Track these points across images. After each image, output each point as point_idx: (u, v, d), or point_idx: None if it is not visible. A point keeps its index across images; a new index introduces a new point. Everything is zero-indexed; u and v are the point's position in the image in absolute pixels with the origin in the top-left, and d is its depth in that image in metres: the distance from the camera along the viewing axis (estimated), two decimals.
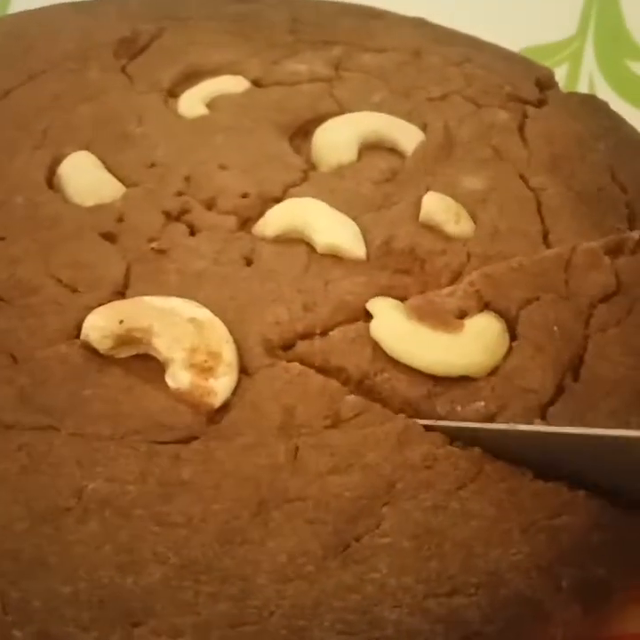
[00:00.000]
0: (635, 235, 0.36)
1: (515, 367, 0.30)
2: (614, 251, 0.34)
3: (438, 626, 0.25)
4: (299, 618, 0.25)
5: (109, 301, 0.32)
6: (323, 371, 0.31)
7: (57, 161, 0.39)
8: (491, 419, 0.29)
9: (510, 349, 0.31)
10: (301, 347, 0.32)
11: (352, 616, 0.25)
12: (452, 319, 0.31)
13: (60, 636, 0.24)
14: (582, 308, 0.32)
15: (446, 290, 0.33)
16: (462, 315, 0.32)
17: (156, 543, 0.26)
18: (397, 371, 0.30)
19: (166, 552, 0.26)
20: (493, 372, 0.30)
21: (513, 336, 0.32)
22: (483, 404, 0.29)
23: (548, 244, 0.36)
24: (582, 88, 0.53)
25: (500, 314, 0.32)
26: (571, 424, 0.28)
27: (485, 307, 0.32)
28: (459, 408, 0.29)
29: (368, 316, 0.33)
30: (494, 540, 0.26)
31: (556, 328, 0.31)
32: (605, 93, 0.52)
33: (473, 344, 0.31)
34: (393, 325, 0.31)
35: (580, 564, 0.26)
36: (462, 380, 0.30)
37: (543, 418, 0.29)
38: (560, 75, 0.52)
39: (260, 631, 0.24)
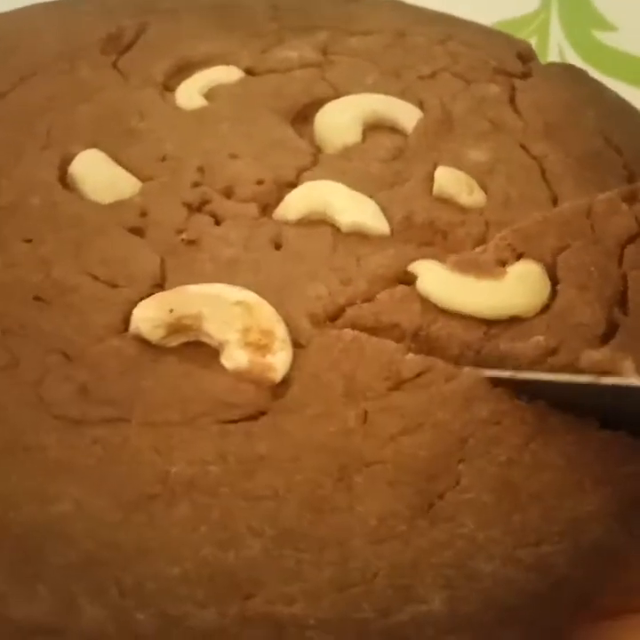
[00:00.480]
0: None
1: (563, 306, 0.32)
2: (630, 199, 0.36)
3: (531, 574, 0.26)
4: (401, 576, 0.25)
5: (150, 294, 0.33)
6: (375, 331, 0.31)
7: (66, 160, 0.38)
8: (552, 352, 0.30)
9: (554, 292, 0.32)
10: (350, 312, 0.32)
11: (450, 571, 0.26)
12: (493, 267, 0.33)
13: (179, 616, 0.24)
14: (612, 249, 0.33)
15: (479, 248, 0.34)
16: (501, 264, 0.33)
17: (248, 518, 0.26)
18: (450, 319, 0.31)
19: (260, 525, 0.26)
20: (543, 311, 0.32)
21: (554, 280, 0.33)
22: (542, 338, 0.30)
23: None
24: (553, 59, 0.55)
25: (537, 261, 0.33)
26: (632, 348, 0.29)
27: (520, 257, 0.34)
28: (520, 344, 0.30)
29: (405, 284, 0.34)
30: (567, 490, 0.28)
31: (593, 268, 0.32)
32: (575, 63, 0.54)
33: (518, 286, 0.32)
34: (439, 279, 0.33)
35: None
36: (515, 321, 0.31)
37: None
38: None
39: (366, 592, 0.25)
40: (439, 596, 0.25)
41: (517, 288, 0.32)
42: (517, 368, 0.31)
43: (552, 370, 0.30)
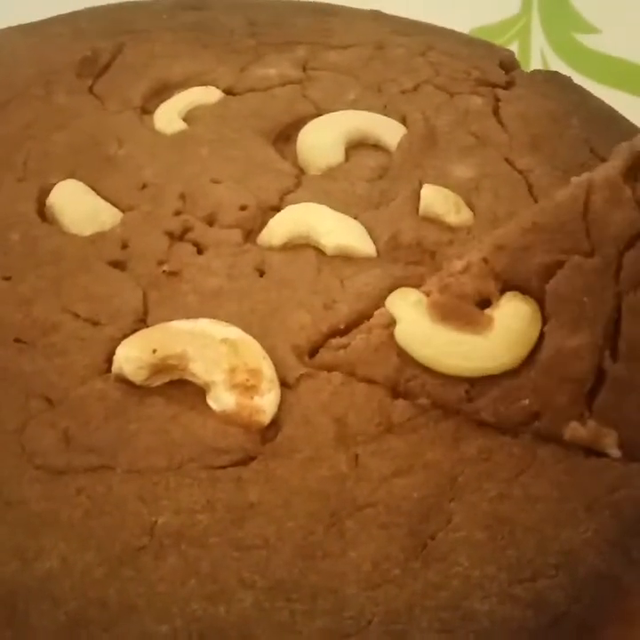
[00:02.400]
0: None
1: (552, 356, 0.29)
2: (633, 170, 0.31)
3: (528, 611, 0.25)
4: (396, 622, 0.25)
5: (133, 331, 0.32)
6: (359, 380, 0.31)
7: (45, 191, 0.38)
8: (536, 416, 0.29)
9: (542, 334, 0.30)
10: (327, 357, 0.32)
11: (446, 613, 0.25)
12: (477, 315, 0.30)
13: None
14: (609, 259, 0.30)
15: (458, 266, 0.31)
16: (485, 302, 0.31)
17: (239, 569, 0.26)
18: (429, 375, 0.30)
19: (252, 576, 0.26)
20: (531, 359, 0.30)
21: (543, 317, 0.30)
22: (526, 402, 0.29)
23: None
24: (535, 64, 0.54)
25: (524, 290, 0.30)
26: (617, 413, 0.29)
27: (505, 285, 0.30)
28: (502, 409, 0.29)
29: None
30: (562, 520, 0.27)
31: (585, 299, 0.29)
32: (558, 67, 0.54)
33: (504, 341, 0.29)
34: (418, 331, 0.30)
35: None
36: (499, 377, 0.30)
37: (590, 410, 0.29)
38: None
39: None
40: None
41: (504, 343, 0.29)
42: (502, 432, 0.29)
43: (537, 435, 0.29)
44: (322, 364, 0.32)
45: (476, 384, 0.30)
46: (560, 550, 0.27)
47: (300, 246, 0.36)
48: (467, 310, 0.31)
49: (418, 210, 0.37)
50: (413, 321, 0.31)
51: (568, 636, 0.25)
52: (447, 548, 0.27)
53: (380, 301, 0.33)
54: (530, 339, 0.30)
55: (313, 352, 0.32)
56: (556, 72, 0.47)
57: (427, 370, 0.30)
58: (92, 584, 0.25)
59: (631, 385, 0.29)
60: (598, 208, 0.30)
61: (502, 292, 0.31)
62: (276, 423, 0.30)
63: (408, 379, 0.31)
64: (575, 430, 0.29)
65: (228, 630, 0.24)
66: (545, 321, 0.30)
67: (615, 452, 0.29)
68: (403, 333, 0.31)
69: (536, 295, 0.30)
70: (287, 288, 0.34)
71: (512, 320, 0.30)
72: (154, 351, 0.30)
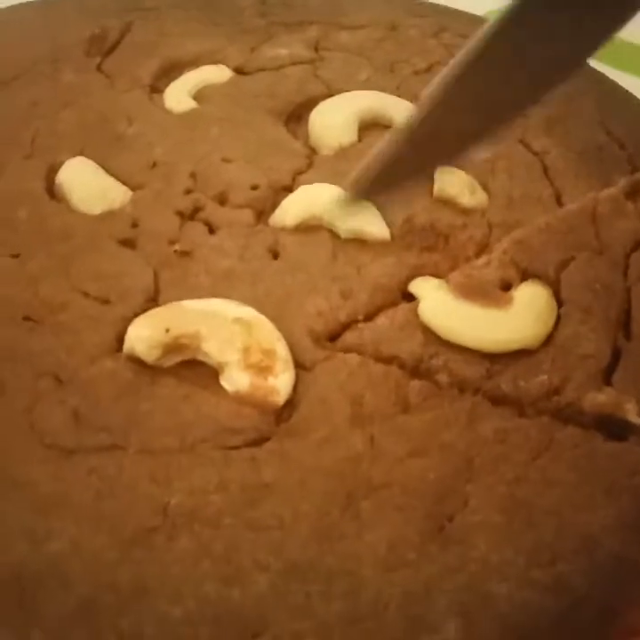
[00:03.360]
0: None
1: (568, 335, 0.30)
2: (633, 193, 0.35)
3: (547, 595, 0.25)
4: (413, 605, 0.24)
5: (145, 310, 0.31)
6: (378, 360, 0.30)
7: (53, 169, 0.37)
8: (556, 392, 0.29)
9: (559, 317, 0.31)
10: (349, 338, 0.31)
11: (464, 596, 0.25)
12: (498, 293, 0.31)
13: None
14: (617, 259, 0.33)
15: (480, 260, 0.33)
16: (506, 286, 0.32)
17: (253, 550, 0.25)
18: (452, 352, 0.30)
19: (266, 557, 0.25)
20: (549, 341, 0.30)
21: (558, 301, 0.32)
22: (546, 377, 0.29)
23: (561, 206, 0.37)
24: None
25: (541, 279, 0.32)
26: (635, 385, 0.29)
27: (524, 274, 0.32)
28: (522, 383, 0.29)
29: (406, 296, 0.33)
30: (581, 504, 0.27)
31: (597, 286, 0.31)
32: None
33: (525, 316, 0.31)
34: (441, 307, 0.31)
35: None
36: (519, 354, 0.30)
37: (608, 384, 0.29)
38: None
39: (379, 625, 0.24)
40: (453, 623, 0.24)
41: (525, 318, 0.31)
42: (520, 407, 0.29)
43: (556, 408, 0.29)
44: (344, 346, 0.31)
45: (497, 361, 0.30)
46: (579, 534, 0.26)
47: (314, 228, 0.35)
48: (488, 289, 0.32)
49: (432, 192, 0.37)
50: (436, 298, 0.32)
51: (588, 620, 0.25)
52: (464, 531, 0.26)
53: (397, 294, 0.33)
54: (548, 317, 0.31)
55: (331, 339, 0.32)
56: None
57: (450, 346, 0.31)
58: (104, 566, 0.25)
59: None
60: (605, 217, 0.34)
61: (521, 280, 0.32)
62: (291, 404, 0.29)
63: (431, 355, 0.30)
64: (594, 398, 0.29)
65: (243, 613, 0.24)
66: (561, 303, 0.32)
67: (636, 419, 0.29)
68: (426, 309, 0.31)
69: (552, 284, 0.32)
70: (302, 272, 0.34)
71: (531, 299, 0.31)
72: (166, 330, 0.30)
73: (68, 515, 0.26)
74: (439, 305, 0.31)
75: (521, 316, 0.31)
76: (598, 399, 0.29)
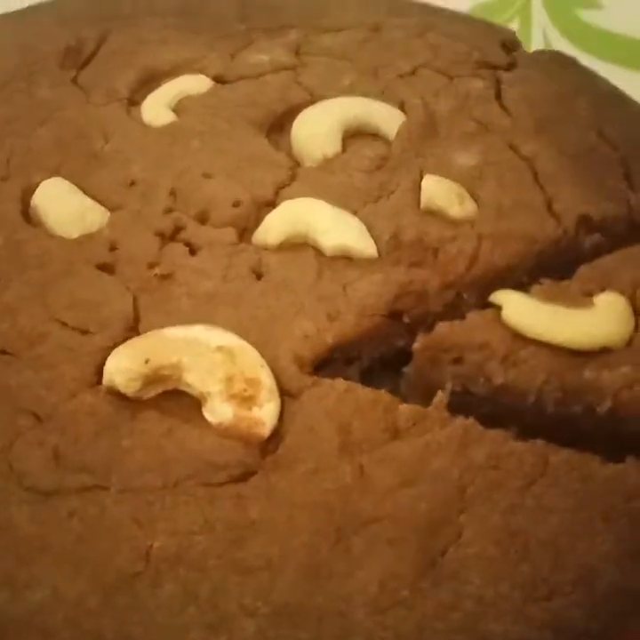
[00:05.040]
0: None
1: None
2: None
3: (546, 632, 0.24)
4: None
5: (124, 339, 0.30)
6: (464, 350, 0.31)
7: (29, 191, 0.36)
8: (637, 382, 0.30)
9: (637, 325, 0.31)
10: (439, 330, 0.32)
11: (459, 636, 0.24)
12: (580, 297, 0.32)
13: None
14: None
15: (561, 284, 0.33)
16: (587, 294, 0.32)
17: (240, 594, 0.24)
18: (538, 346, 0.31)
19: (254, 602, 0.24)
20: (628, 343, 0.31)
21: (635, 312, 0.32)
22: (628, 368, 0.30)
23: (553, 214, 0.36)
24: (537, 43, 0.52)
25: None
26: None
27: (602, 290, 0.33)
28: (605, 372, 0.30)
29: (394, 315, 0.33)
30: (578, 531, 0.26)
31: None
32: (561, 45, 0.52)
33: (608, 316, 0.31)
34: (527, 308, 0.32)
35: None
36: (602, 352, 0.30)
37: None
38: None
39: None
40: None
41: (608, 317, 0.31)
42: (602, 397, 0.30)
43: (637, 397, 0.30)
44: (433, 338, 0.32)
45: (580, 356, 0.30)
46: (577, 564, 0.25)
47: (298, 245, 0.34)
48: (570, 294, 0.33)
49: (419, 202, 0.36)
50: (520, 302, 0.32)
51: None
52: (458, 565, 0.25)
53: (384, 314, 0.33)
54: (628, 319, 0.32)
55: (316, 365, 0.31)
56: (560, 52, 0.45)
57: (536, 342, 0.31)
58: (86, 614, 0.24)
59: None
60: None
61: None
62: (277, 434, 0.28)
63: (519, 347, 0.31)
64: None
65: None
66: (638, 314, 0.32)
67: None
68: (512, 313, 0.32)
69: (629, 298, 0.32)
70: (287, 292, 0.33)
71: (610, 303, 0.32)
72: (146, 361, 0.29)
73: (49, 560, 0.25)
74: (525, 306, 0.32)
75: (603, 316, 0.31)
76: None
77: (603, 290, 0.33)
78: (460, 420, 0.29)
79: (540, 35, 0.52)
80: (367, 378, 0.33)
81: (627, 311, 0.32)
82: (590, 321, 0.32)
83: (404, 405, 0.29)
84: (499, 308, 0.32)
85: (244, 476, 0.27)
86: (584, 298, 0.32)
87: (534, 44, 0.53)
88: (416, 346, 0.32)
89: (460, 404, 0.31)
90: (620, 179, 0.38)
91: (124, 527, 0.26)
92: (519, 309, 0.32)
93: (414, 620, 0.24)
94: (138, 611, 0.24)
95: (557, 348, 0.31)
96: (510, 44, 0.45)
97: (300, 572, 0.25)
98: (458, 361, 0.32)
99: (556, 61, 0.44)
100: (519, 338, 0.31)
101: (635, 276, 0.33)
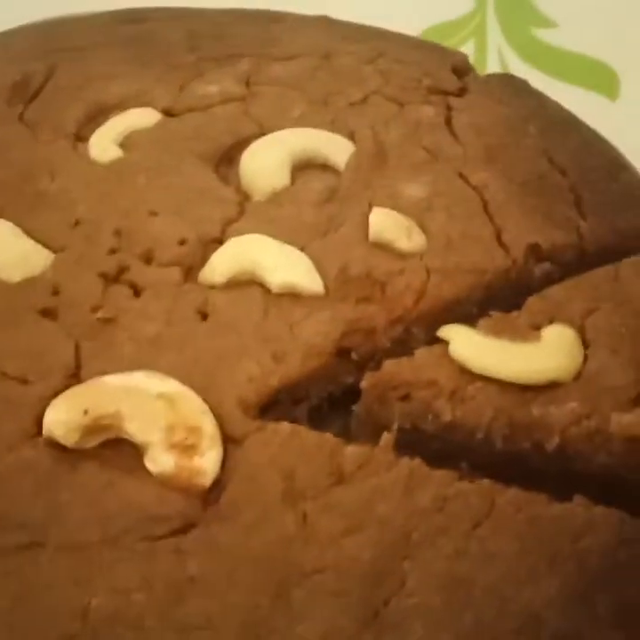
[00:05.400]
0: None
1: (596, 370, 0.31)
2: None
3: None
4: None
5: (65, 387, 0.30)
6: (412, 387, 0.31)
7: None
8: (586, 417, 0.30)
9: (585, 357, 0.31)
10: (388, 367, 0.31)
11: None
12: (527, 331, 0.32)
13: None
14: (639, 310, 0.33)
15: (510, 316, 0.33)
16: (535, 327, 0.32)
17: None
18: (486, 382, 0.31)
19: None
20: (577, 377, 0.31)
21: (584, 343, 0.32)
22: (575, 404, 0.30)
23: (502, 245, 0.36)
24: (492, 62, 0.52)
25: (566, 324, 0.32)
26: None
27: (550, 321, 0.33)
28: (553, 408, 0.30)
29: (341, 353, 0.32)
30: (522, 577, 0.26)
31: (623, 329, 0.32)
32: (517, 65, 0.52)
33: (555, 349, 0.31)
34: (473, 343, 0.32)
35: (613, 587, 0.26)
36: (550, 386, 0.30)
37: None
38: (467, 51, 0.52)
39: None
40: None
41: (554, 352, 0.31)
42: (549, 433, 0.30)
43: (585, 434, 0.30)
44: (382, 376, 0.31)
45: (528, 391, 0.30)
46: (521, 612, 0.25)
47: (245, 283, 0.34)
48: (516, 326, 0.32)
49: (368, 236, 0.35)
50: (467, 336, 0.32)
51: None
52: (401, 616, 0.25)
53: (331, 352, 0.32)
54: (577, 352, 0.32)
55: (262, 407, 0.30)
56: (511, 75, 0.45)
57: (483, 378, 0.31)
58: None
59: None
60: (627, 277, 0.34)
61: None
62: (219, 483, 0.28)
63: (466, 383, 0.31)
64: (622, 419, 0.29)
65: None
66: (587, 345, 0.32)
67: None
68: (459, 348, 0.32)
69: (577, 329, 0.32)
70: (232, 333, 0.32)
71: (558, 336, 0.32)
72: (85, 412, 0.28)
73: None
74: (472, 341, 0.32)
75: (551, 350, 0.31)
76: (625, 419, 0.29)
77: (551, 321, 0.33)
78: (405, 462, 0.28)
79: (496, 54, 0.52)
80: (316, 416, 0.33)
81: (575, 344, 0.32)
82: (538, 355, 0.31)
83: (351, 447, 0.29)
84: (447, 343, 0.32)
85: (185, 529, 0.27)
86: (532, 331, 0.32)
87: (490, 63, 0.53)
88: (363, 384, 0.32)
89: (409, 442, 0.30)
90: (570, 206, 0.38)
91: (59, 586, 0.25)
92: (466, 344, 0.32)
93: None
94: None
95: (505, 384, 0.31)
96: (462, 69, 0.45)
97: (239, 629, 0.25)
98: (405, 398, 0.31)
99: (507, 85, 0.44)
100: (467, 373, 0.31)
101: (583, 307, 0.33)
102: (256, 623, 0.25)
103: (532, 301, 0.34)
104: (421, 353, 0.32)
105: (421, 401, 0.31)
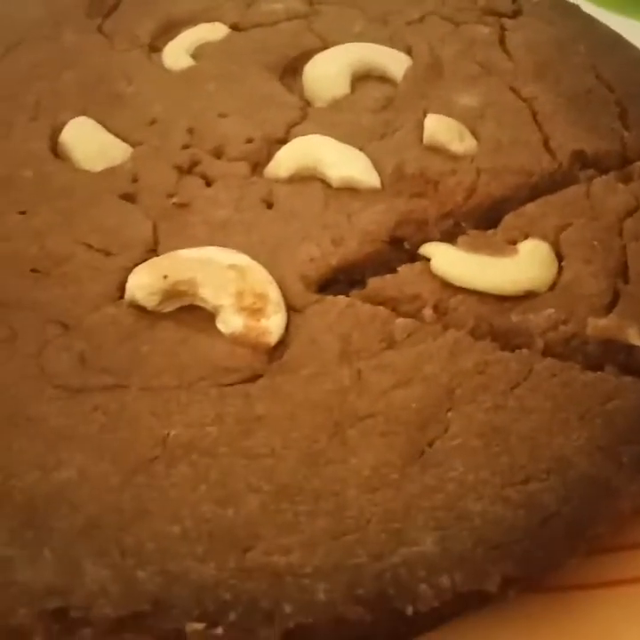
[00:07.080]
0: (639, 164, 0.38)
1: (570, 280, 0.32)
2: (625, 180, 0.37)
3: (520, 511, 0.27)
4: (393, 521, 0.26)
5: (144, 260, 0.33)
6: (397, 302, 0.33)
7: (57, 130, 0.39)
8: (563, 322, 0.31)
9: (560, 269, 0.33)
10: (373, 284, 0.33)
11: (441, 513, 0.27)
12: (504, 245, 0.34)
13: (179, 571, 0.25)
14: (612, 223, 0.34)
15: (487, 234, 0.35)
16: (511, 242, 0.34)
17: (246, 475, 0.27)
18: (467, 294, 0.32)
19: (258, 482, 0.27)
20: (552, 287, 0.32)
21: (559, 257, 0.34)
22: (553, 310, 0.32)
23: (549, 150, 0.38)
24: None
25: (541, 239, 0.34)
26: (635, 316, 0.31)
27: (525, 237, 0.34)
28: (531, 316, 0.31)
29: (394, 242, 0.35)
30: (555, 429, 0.28)
31: (595, 243, 0.33)
32: None
33: (530, 261, 0.33)
34: (454, 258, 0.33)
35: (637, 442, 0.28)
36: (527, 296, 0.32)
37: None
38: None
39: (360, 538, 0.26)
40: (430, 537, 0.26)
41: (529, 264, 0.33)
42: (530, 338, 0.31)
43: (562, 338, 0.31)
44: (368, 293, 0.33)
45: (507, 300, 0.32)
46: (552, 456, 0.28)
47: (307, 178, 0.37)
48: (494, 242, 0.34)
49: (422, 139, 0.38)
50: (447, 253, 0.34)
51: (558, 535, 0.27)
52: (443, 455, 0.28)
53: (385, 240, 0.35)
54: (551, 264, 0.33)
55: (321, 285, 0.33)
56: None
57: (464, 290, 0.33)
58: (108, 491, 0.27)
59: None
60: (598, 194, 0.36)
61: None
62: (283, 343, 0.31)
63: (449, 296, 0.33)
64: (597, 323, 0.31)
65: (236, 529, 0.26)
66: (561, 258, 0.34)
67: (638, 342, 0.31)
68: (439, 263, 0.33)
69: (552, 244, 0.34)
70: (295, 220, 0.35)
71: (533, 250, 0.34)
72: (165, 277, 0.32)
73: (76, 446, 0.28)
74: (451, 257, 0.33)
75: (526, 262, 0.33)
76: (601, 324, 0.31)
77: (526, 237, 0.34)
78: (451, 332, 0.31)
79: None
80: None
81: (549, 256, 0.33)
82: (514, 267, 0.33)
83: (401, 319, 0.31)
84: (428, 260, 0.34)
85: (252, 378, 0.30)
86: (508, 246, 0.34)
87: None
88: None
89: None
90: (615, 118, 0.40)
91: (142, 419, 0.29)
92: (447, 260, 0.33)
93: (402, 499, 0.27)
94: (154, 488, 0.27)
95: (485, 295, 0.32)
96: None
97: (299, 459, 0.28)
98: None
99: (558, 8, 0.46)
100: (449, 287, 0.33)
101: (557, 223, 0.35)
102: (314, 454, 0.28)
103: (508, 219, 0.35)
104: (404, 270, 0.34)
105: (407, 314, 0.33)
